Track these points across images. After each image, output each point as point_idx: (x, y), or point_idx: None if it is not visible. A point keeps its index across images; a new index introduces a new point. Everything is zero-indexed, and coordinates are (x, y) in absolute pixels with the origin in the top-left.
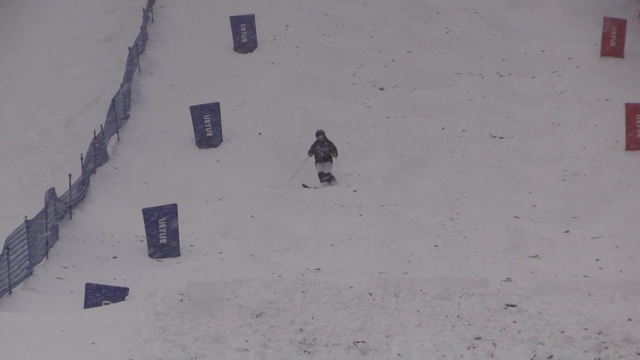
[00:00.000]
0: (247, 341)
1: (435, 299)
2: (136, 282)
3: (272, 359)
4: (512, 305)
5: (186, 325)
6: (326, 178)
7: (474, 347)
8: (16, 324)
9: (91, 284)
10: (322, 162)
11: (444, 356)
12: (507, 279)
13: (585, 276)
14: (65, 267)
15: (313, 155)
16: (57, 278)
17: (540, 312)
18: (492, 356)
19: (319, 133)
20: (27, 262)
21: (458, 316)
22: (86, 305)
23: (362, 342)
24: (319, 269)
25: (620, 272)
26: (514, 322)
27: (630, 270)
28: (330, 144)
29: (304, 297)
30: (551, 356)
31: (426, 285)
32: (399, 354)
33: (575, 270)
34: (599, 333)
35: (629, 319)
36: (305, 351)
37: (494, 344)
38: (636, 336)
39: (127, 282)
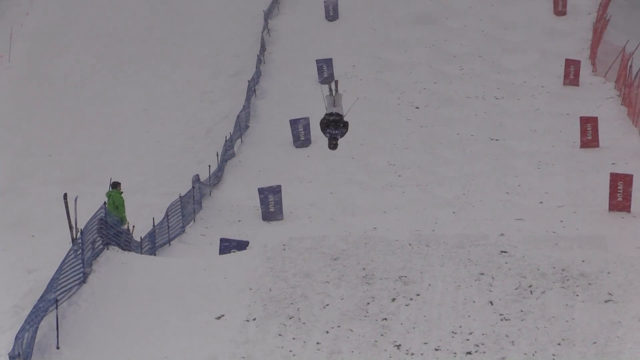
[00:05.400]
0: (327, 276)
1: (453, 247)
2: (253, 237)
3: (344, 288)
4: (504, 252)
5: (287, 265)
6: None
7: (479, 280)
8: (174, 265)
9: (224, 238)
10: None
11: (459, 285)
12: (501, 234)
13: (554, 232)
14: (207, 227)
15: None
16: (201, 235)
17: (523, 256)
18: (491, 285)
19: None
20: (181, 223)
21: (468, 259)
22: (220, 253)
23: (405, 276)
24: (375, 228)
25: (577, 229)
26: (506, 263)
27: (584, 228)
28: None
29: (366, 247)
30: (531, 285)
31: (447, 238)
32: (429, 284)
33: (547, 228)
34: (563, 270)
35: (583, 261)
36: (366, 283)
37: (493, 278)
38: (588, 272)
39: (248, 237)
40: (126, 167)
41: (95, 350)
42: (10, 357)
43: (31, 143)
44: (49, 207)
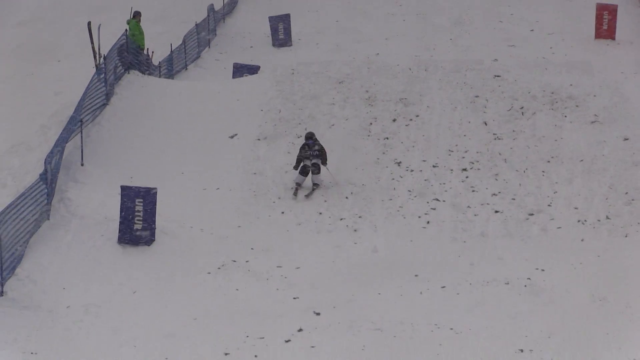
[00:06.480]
0: (333, 98)
1: (450, 72)
2: (265, 62)
3: (349, 109)
4: (498, 76)
5: (295, 88)
6: (309, 170)
7: (474, 102)
8: (190, 88)
9: (237, 63)
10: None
11: (456, 107)
12: (495, 59)
13: (544, 58)
14: (221, 53)
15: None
16: (215, 60)
17: (515, 80)
18: (485, 107)
19: (308, 137)
20: (197, 49)
21: (464, 82)
22: (233, 77)
23: (405, 99)
24: (378, 54)
25: (565, 55)
26: (499, 86)
27: (572, 54)
28: (320, 150)
29: (369, 71)
30: (522, 107)
31: (444, 63)
32: (427, 106)
33: (537, 54)
34: (552, 93)
35: (571, 84)
36: (369, 104)
37: (487, 100)
38: (575, 94)
39: (259, 62)
40: None
41: (116, 167)
42: (40, 175)
43: None
44: (74, 35)
